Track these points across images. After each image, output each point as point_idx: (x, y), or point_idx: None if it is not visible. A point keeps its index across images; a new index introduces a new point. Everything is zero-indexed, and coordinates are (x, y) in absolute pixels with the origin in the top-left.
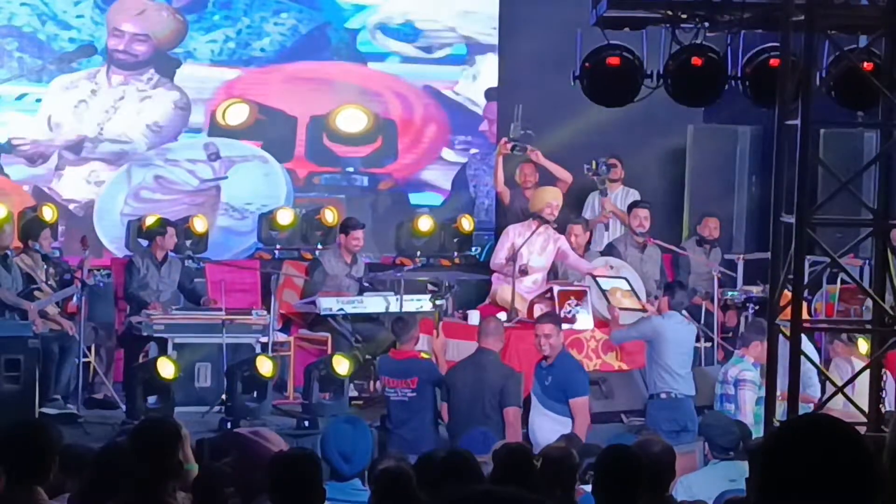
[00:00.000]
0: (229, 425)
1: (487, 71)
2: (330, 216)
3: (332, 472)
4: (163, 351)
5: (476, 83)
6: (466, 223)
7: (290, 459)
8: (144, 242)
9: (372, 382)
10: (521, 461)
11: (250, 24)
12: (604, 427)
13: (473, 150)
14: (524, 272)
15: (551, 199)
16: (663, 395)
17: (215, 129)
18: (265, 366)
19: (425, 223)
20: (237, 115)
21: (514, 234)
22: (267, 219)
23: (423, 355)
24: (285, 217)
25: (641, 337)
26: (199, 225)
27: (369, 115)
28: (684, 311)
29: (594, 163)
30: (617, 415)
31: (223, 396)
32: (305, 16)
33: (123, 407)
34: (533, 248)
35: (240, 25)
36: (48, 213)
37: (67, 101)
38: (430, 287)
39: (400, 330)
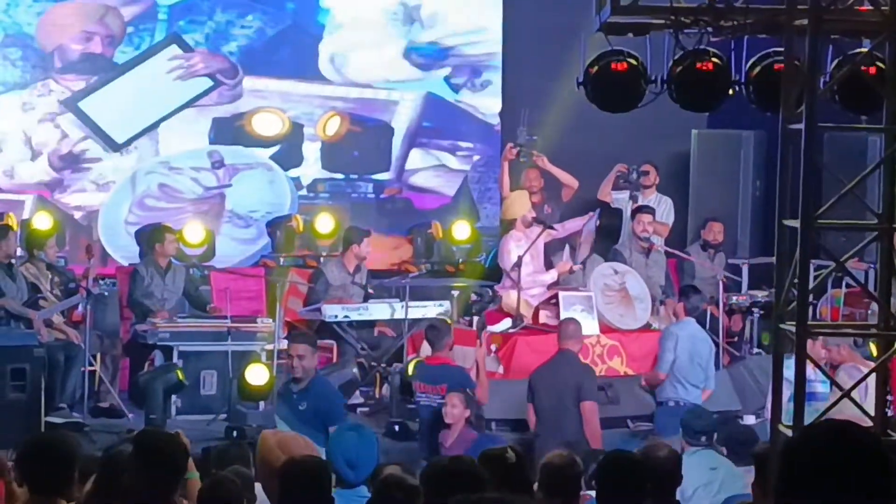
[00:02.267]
0: (235, 434)
1: (492, 78)
2: (322, 225)
3: (338, 479)
4: (168, 359)
5: (481, 91)
6: (470, 230)
7: (301, 467)
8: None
9: (378, 389)
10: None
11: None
12: (609, 432)
13: (476, 157)
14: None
15: (524, 210)
16: (671, 404)
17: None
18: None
19: (438, 230)
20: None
21: (515, 242)
22: (280, 226)
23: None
24: (327, 224)
25: (674, 351)
26: (191, 234)
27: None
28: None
29: (627, 169)
30: (623, 420)
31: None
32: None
33: (130, 416)
34: (535, 254)
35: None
36: (50, 223)
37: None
38: (473, 297)
39: (434, 337)
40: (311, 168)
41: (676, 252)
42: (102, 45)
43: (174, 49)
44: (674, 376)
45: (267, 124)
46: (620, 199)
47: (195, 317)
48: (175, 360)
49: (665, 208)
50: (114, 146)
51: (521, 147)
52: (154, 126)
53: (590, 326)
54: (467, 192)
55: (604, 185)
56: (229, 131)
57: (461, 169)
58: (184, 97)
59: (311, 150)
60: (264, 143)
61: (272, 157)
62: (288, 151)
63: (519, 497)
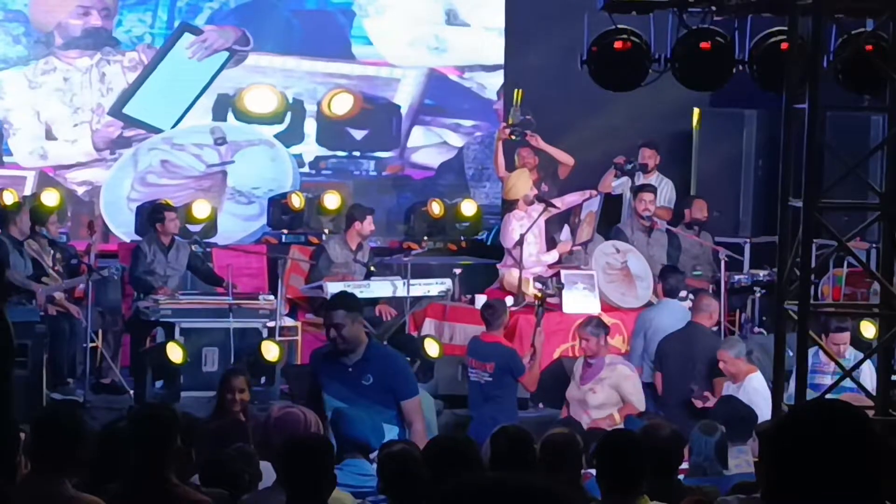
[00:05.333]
0: None
1: (495, 56)
2: (330, 202)
3: (357, 446)
4: (170, 336)
5: (485, 68)
6: (470, 207)
7: (303, 446)
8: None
9: None
10: (521, 446)
11: None
12: None
13: (478, 134)
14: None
15: (526, 189)
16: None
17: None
18: (271, 351)
19: (437, 208)
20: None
21: (517, 220)
22: (279, 203)
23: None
24: (298, 201)
25: (644, 338)
26: (199, 210)
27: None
28: (691, 295)
29: (624, 161)
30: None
31: None
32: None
33: (131, 392)
34: (537, 232)
35: None
36: (53, 199)
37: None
38: (535, 286)
39: (490, 316)
40: (313, 145)
41: (678, 231)
42: (101, 18)
43: (188, 37)
44: (649, 361)
45: (260, 100)
46: (620, 185)
47: (196, 294)
48: (177, 336)
49: (667, 190)
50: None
51: (515, 127)
52: (191, 106)
53: (591, 305)
54: (459, 169)
55: (604, 178)
56: (227, 108)
57: (462, 146)
58: (209, 73)
59: (313, 128)
60: (257, 119)
61: (276, 135)
62: (289, 128)
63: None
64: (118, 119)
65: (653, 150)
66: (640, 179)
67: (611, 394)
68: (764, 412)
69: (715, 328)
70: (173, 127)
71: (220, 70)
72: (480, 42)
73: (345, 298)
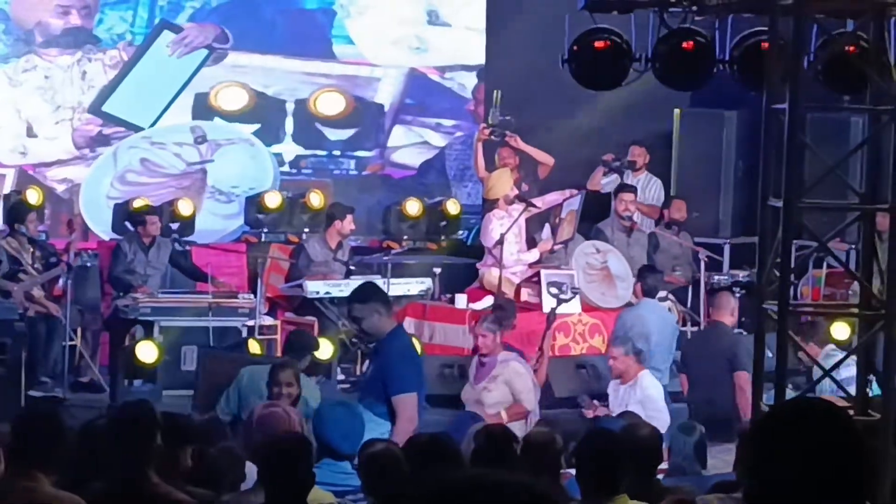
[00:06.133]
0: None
1: (476, 56)
2: (316, 200)
3: (329, 452)
4: (148, 334)
5: (466, 68)
6: (454, 206)
7: (281, 445)
8: (131, 226)
9: (358, 366)
10: (502, 445)
11: None
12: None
13: (459, 134)
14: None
15: (507, 188)
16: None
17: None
18: (254, 349)
19: (414, 207)
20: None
21: (497, 220)
22: (254, 202)
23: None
24: (273, 200)
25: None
26: (185, 208)
27: (348, 98)
28: (671, 295)
29: (612, 158)
30: (604, 397)
31: None
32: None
33: (108, 390)
34: (517, 232)
35: None
36: (33, 197)
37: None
38: (550, 290)
39: (500, 316)
40: (292, 144)
41: (659, 231)
42: (81, 18)
43: (167, 34)
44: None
45: (231, 98)
46: (610, 183)
47: (178, 292)
48: (156, 335)
49: (655, 189)
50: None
51: (494, 127)
52: (170, 104)
53: (571, 305)
54: (440, 169)
55: (592, 177)
56: (203, 106)
57: (443, 146)
58: (188, 71)
59: (292, 126)
60: (229, 117)
61: (255, 134)
62: (266, 127)
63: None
64: (97, 117)
65: (642, 149)
66: (629, 177)
67: (505, 391)
68: (657, 409)
69: (735, 327)
70: (152, 125)
71: (199, 68)
72: (462, 42)
73: (358, 292)
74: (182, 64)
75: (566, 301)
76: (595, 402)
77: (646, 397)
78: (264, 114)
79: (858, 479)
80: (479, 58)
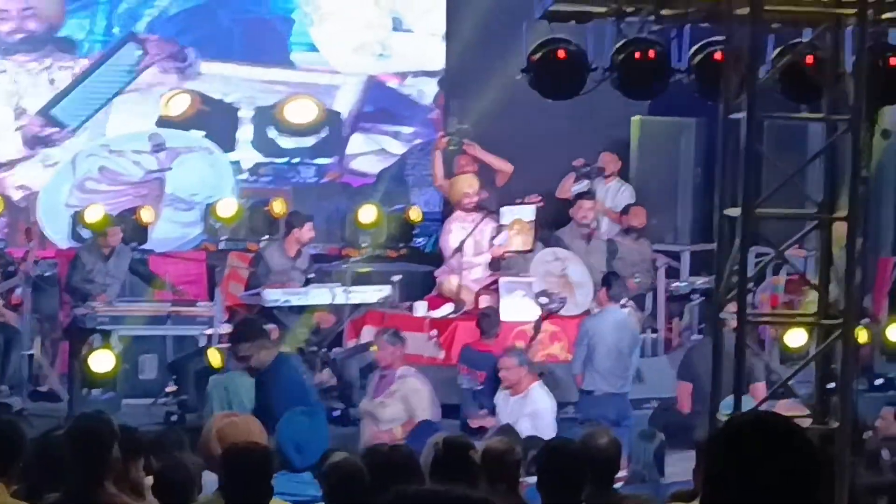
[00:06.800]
0: (175, 419)
1: (438, 62)
2: (278, 207)
3: (285, 463)
4: (106, 343)
5: (425, 76)
6: (414, 214)
7: (241, 454)
8: (87, 233)
9: (318, 375)
10: (461, 454)
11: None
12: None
13: (418, 141)
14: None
15: (467, 188)
16: (597, 392)
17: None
18: (214, 358)
19: (368, 214)
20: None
21: (457, 227)
22: (212, 210)
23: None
24: (228, 208)
25: (586, 346)
26: (147, 216)
27: (319, 106)
28: (631, 302)
29: (582, 164)
30: (562, 406)
31: (168, 388)
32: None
33: (67, 399)
34: (478, 238)
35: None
36: None
37: None
38: (540, 299)
39: (486, 325)
40: (250, 151)
41: (616, 239)
42: (41, 22)
43: (131, 46)
44: (593, 368)
45: (178, 104)
46: (580, 189)
47: (136, 300)
48: (114, 343)
49: (626, 196)
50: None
51: (452, 136)
52: (102, 107)
53: (530, 312)
54: (399, 177)
55: (562, 183)
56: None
57: (402, 153)
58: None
59: (250, 134)
60: (176, 124)
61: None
62: (222, 135)
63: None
64: (42, 118)
65: (613, 155)
66: (600, 183)
67: (400, 408)
68: (546, 423)
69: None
70: (78, 127)
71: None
72: (424, 48)
73: (243, 330)
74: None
75: (555, 311)
76: (482, 411)
77: (535, 410)
78: (217, 121)
79: (812, 491)
80: (441, 63)
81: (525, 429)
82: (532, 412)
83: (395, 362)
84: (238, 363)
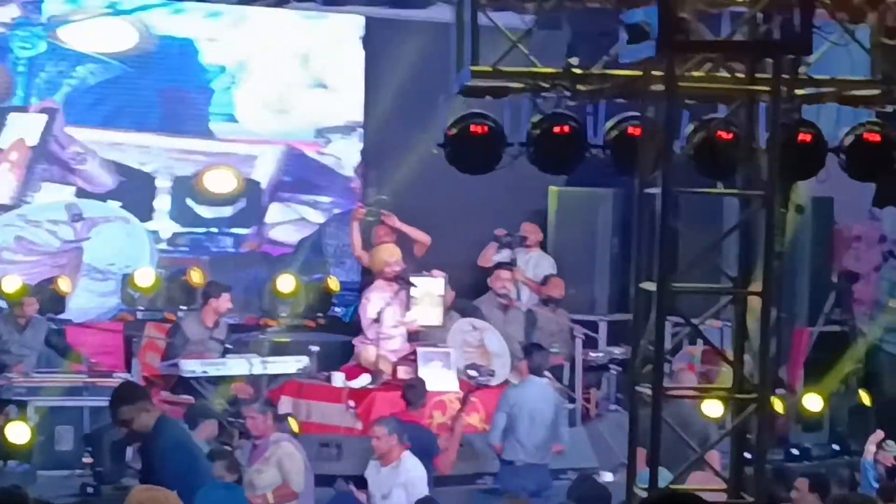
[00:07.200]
0: (91, 490)
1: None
2: (196, 277)
3: None
4: (22, 414)
5: (343, 146)
6: (332, 284)
7: None
8: (2, 303)
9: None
10: None
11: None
12: (459, 489)
13: (337, 211)
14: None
15: (387, 257)
16: (518, 463)
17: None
18: None
19: (286, 284)
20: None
21: (375, 297)
22: (129, 280)
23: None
24: (145, 278)
25: (507, 417)
26: (64, 285)
27: (238, 176)
28: (548, 374)
29: (504, 234)
30: (471, 478)
31: (84, 460)
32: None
33: None
34: (397, 309)
35: None
36: None
37: None
38: (469, 372)
39: (412, 396)
40: (168, 221)
41: (533, 308)
42: None
43: None
44: (514, 438)
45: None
46: (501, 258)
47: (53, 371)
48: (30, 415)
49: (546, 267)
50: None
51: (370, 206)
52: None
53: (448, 382)
54: (317, 246)
55: (484, 252)
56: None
57: (321, 223)
58: None
59: (164, 204)
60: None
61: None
62: (139, 205)
63: None
64: None
65: (534, 225)
66: (521, 253)
67: (275, 472)
68: (419, 493)
69: None
70: None
71: None
72: (343, 108)
73: (124, 394)
74: None
75: (486, 384)
76: (351, 486)
77: (408, 480)
78: (135, 191)
79: None
80: (359, 117)
81: (399, 499)
82: (405, 481)
83: (266, 430)
84: (119, 428)
